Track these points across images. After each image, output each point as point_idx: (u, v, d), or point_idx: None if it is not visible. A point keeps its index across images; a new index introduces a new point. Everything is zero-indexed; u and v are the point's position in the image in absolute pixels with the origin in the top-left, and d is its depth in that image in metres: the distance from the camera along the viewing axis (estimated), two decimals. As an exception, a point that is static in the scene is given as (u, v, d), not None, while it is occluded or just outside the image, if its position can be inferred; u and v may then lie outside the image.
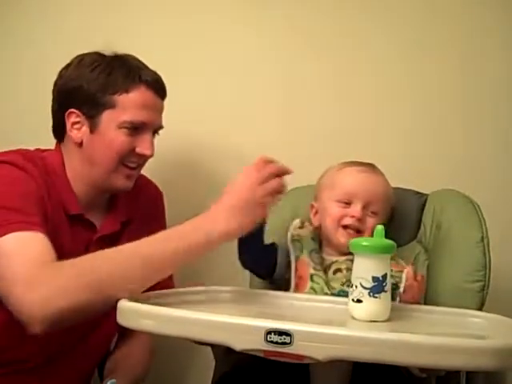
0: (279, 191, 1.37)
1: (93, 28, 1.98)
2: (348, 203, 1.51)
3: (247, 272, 1.60)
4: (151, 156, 1.57)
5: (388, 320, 1.28)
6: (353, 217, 1.49)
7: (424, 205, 1.63)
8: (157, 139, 1.60)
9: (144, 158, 1.57)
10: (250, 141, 1.93)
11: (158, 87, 1.56)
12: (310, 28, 1.93)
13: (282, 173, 1.39)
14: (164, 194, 1.76)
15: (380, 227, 1.29)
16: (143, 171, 1.64)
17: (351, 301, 1.26)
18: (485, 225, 1.52)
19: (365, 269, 1.25)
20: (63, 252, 1.46)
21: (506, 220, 1.82)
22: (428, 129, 1.90)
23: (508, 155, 1.86)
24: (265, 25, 1.96)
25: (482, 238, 1.50)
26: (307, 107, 1.94)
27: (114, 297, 1.25)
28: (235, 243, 1.44)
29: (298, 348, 1.07)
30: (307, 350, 1.07)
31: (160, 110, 1.59)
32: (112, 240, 1.56)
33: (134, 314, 1.21)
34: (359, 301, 1.25)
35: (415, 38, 1.89)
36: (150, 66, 1.58)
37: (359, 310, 1.26)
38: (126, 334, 1.62)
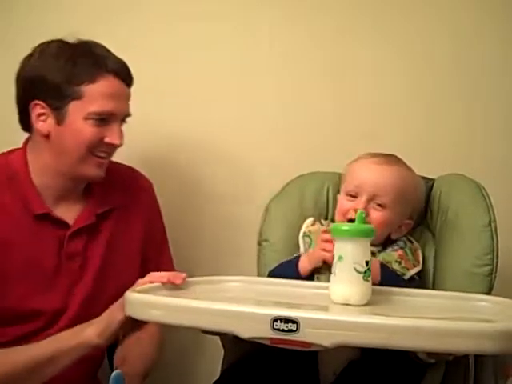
0: None
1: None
2: (355, 196, 1.48)
3: (254, 261, 1.61)
4: (120, 145, 1.53)
5: (390, 304, 1.29)
6: (355, 210, 1.44)
7: (431, 190, 1.62)
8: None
9: (113, 148, 1.53)
10: (248, 136, 1.95)
11: (124, 75, 1.52)
12: (309, 26, 1.93)
13: None
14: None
15: (360, 212, 1.28)
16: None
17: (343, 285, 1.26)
18: (492, 208, 1.51)
19: (357, 253, 1.25)
20: (29, 253, 1.47)
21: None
22: (434, 113, 1.89)
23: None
24: (264, 22, 1.94)
25: (490, 221, 1.50)
26: (308, 97, 1.94)
27: None
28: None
29: (305, 335, 1.07)
30: (314, 337, 1.08)
31: (127, 97, 1.55)
32: (89, 232, 1.55)
33: (141, 304, 1.22)
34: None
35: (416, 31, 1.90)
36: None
37: (355, 294, 1.25)
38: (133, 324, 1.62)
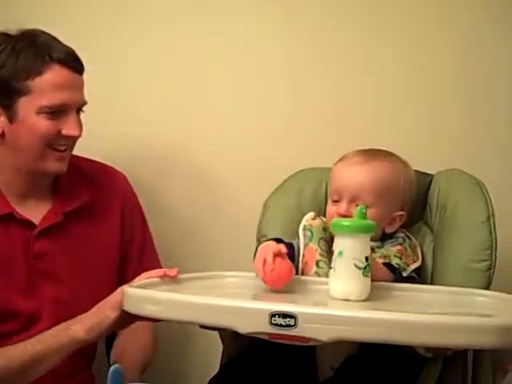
0: None
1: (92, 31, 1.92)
2: (338, 200, 1.48)
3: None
4: (79, 136, 1.49)
5: (389, 300, 1.29)
6: (339, 214, 1.45)
7: (429, 185, 1.62)
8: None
9: (72, 139, 1.49)
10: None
11: (72, 63, 1.45)
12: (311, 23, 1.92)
13: None
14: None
15: (360, 207, 1.28)
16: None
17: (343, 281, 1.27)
18: (491, 204, 1.51)
19: (357, 249, 1.26)
20: None
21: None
22: (433, 109, 1.89)
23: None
24: (264, 22, 1.93)
25: (489, 217, 1.50)
26: (308, 95, 1.93)
27: None
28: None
29: (303, 330, 1.08)
30: (311, 331, 1.08)
31: (79, 86, 1.48)
32: (57, 232, 1.52)
33: (139, 299, 1.22)
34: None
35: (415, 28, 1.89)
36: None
37: (354, 290, 1.26)
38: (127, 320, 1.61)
